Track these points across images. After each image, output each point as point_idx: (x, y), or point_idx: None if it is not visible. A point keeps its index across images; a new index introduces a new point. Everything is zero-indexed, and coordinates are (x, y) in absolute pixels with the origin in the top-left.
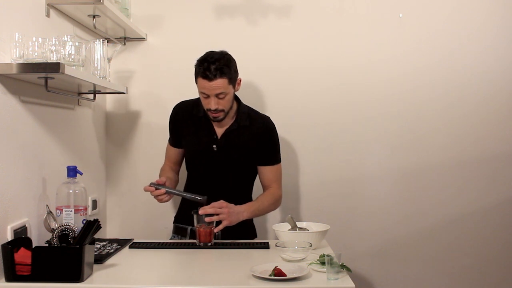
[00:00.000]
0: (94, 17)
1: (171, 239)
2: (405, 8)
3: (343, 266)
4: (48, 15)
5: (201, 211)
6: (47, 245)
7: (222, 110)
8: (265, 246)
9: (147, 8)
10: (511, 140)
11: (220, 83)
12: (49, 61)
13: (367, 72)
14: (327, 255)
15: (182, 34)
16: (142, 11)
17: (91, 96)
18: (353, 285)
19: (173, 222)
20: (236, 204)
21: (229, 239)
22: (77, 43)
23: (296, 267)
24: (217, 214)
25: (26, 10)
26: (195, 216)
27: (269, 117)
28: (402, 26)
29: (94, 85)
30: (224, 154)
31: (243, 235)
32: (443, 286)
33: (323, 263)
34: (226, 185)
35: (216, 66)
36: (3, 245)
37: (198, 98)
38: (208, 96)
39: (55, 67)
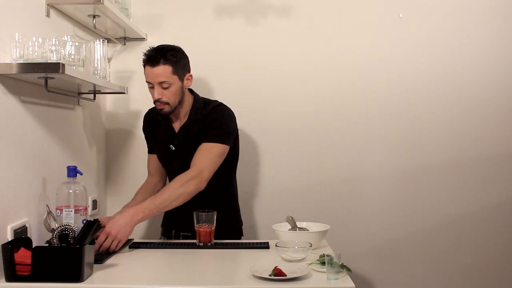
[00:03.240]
0: (94, 17)
1: (159, 239)
2: (405, 8)
3: (343, 266)
4: (48, 15)
5: (98, 246)
6: (47, 245)
7: (167, 103)
8: (265, 246)
9: (147, 8)
10: (511, 140)
11: (162, 70)
12: (49, 61)
13: (367, 72)
14: (327, 255)
15: (182, 34)
16: (142, 11)
17: (91, 96)
18: (353, 285)
19: (161, 226)
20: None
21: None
22: (77, 43)
23: (296, 267)
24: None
25: (26, 10)
26: (195, 216)
27: (221, 103)
28: (402, 26)
29: (94, 85)
30: (182, 152)
31: (226, 236)
32: (443, 286)
33: (323, 263)
34: None
35: (160, 53)
36: (3, 245)
37: None
38: (153, 86)
39: (55, 67)
